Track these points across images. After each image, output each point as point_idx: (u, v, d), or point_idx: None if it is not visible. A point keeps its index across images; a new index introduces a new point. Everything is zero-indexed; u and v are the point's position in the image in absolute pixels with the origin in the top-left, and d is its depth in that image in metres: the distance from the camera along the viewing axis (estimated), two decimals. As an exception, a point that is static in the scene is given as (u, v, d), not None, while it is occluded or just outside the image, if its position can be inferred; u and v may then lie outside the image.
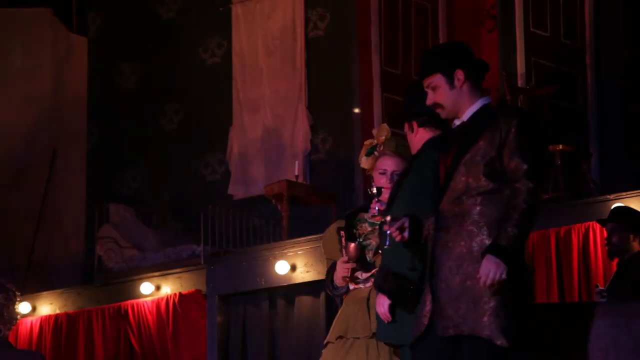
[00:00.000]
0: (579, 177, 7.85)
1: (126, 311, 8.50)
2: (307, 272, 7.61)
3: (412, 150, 4.83)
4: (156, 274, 8.64)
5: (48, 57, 10.66)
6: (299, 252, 7.65)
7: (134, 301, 8.51)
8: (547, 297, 6.75)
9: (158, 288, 8.50)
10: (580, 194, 7.70)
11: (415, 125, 4.78)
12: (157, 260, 9.12)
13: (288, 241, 7.94)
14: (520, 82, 8.43)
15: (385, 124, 5.26)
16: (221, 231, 8.83)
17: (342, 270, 4.84)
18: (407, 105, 4.85)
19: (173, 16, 10.53)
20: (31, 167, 10.37)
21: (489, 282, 3.90)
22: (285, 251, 7.72)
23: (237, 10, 10.06)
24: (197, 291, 8.29)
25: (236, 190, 9.89)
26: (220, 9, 10.11)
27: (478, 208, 4.01)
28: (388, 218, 4.18)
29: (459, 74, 4.13)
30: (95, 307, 8.64)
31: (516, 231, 3.92)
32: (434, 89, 4.18)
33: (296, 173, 8.86)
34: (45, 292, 9.12)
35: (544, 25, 8.62)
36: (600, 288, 5.91)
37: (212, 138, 10.14)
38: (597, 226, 6.59)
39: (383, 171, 4.90)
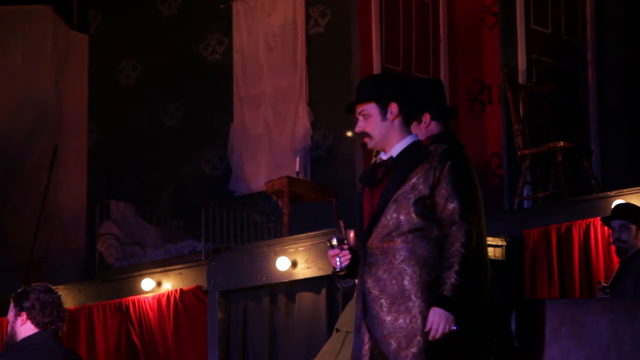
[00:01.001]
0: (579, 173, 7.86)
1: (127, 307, 8.51)
2: (308, 268, 7.61)
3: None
4: (157, 270, 8.64)
5: (48, 54, 10.66)
6: (300, 249, 7.66)
7: (135, 297, 8.52)
8: (548, 294, 6.76)
9: (159, 284, 8.51)
10: (581, 190, 7.71)
11: (427, 117, 4.75)
12: (158, 257, 9.13)
13: (289, 237, 7.95)
14: (521, 79, 8.43)
15: None
16: (222, 227, 8.84)
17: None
18: (417, 96, 4.81)
19: (174, 13, 10.54)
20: (32, 164, 10.37)
21: (438, 335, 3.89)
22: (286, 247, 7.73)
23: (237, 7, 10.07)
24: (198, 287, 8.30)
25: (237, 187, 9.90)
26: (221, 5, 10.11)
27: (409, 246, 3.98)
28: (334, 241, 4.12)
29: (393, 107, 4.06)
30: (96, 303, 8.64)
31: (460, 280, 3.91)
32: (365, 117, 4.09)
33: (297, 169, 8.86)
34: (46, 289, 9.11)
35: (545, 22, 8.62)
36: (603, 285, 5.91)
37: (212, 134, 10.14)
38: (599, 223, 6.60)
39: None
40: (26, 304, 4.50)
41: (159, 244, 9.35)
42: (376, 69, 9.22)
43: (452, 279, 3.90)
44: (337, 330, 5.11)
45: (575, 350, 5.04)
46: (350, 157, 9.03)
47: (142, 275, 8.60)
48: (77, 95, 10.82)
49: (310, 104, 9.60)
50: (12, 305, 4.60)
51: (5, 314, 9.54)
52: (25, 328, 4.52)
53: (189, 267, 8.51)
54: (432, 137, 4.72)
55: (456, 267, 3.92)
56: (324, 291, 7.51)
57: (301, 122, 9.60)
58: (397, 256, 3.99)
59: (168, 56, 10.43)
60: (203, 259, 8.48)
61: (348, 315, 5.02)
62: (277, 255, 7.70)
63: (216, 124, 10.11)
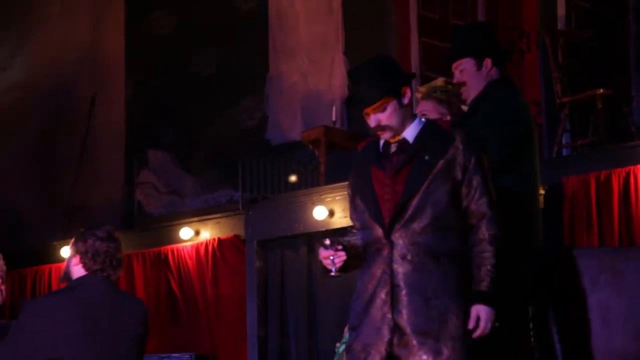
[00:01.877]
0: (619, 120, 7.78)
1: (166, 256, 8.58)
2: (345, 217, 7.62)
3: (469, 92, 4.75)
4: (195, 219, 8.70)
5: (86, 3, 10.67)
6: (337, 198, 7.66)
7: (174, 246, 8.59)
8: (587, 242, 6.73)
9: (197, 233, 8.56)
10: (621, 137, 7.63)
11: (489, 62, 4.70)
12: (196, 206, 9.18)
13: (326, 187, 7.95)
14: (559, 25, 8.33)
15: (442, 78, 5.21)
16: (259, 177, 8.86)
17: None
18: (475, 40, 4.75)
19: (208, -39, 10.49)
20: (71, 113, 10.44)
21: (484, 332, 3.86)
22: (323, 197, 7.74)
23: (272, -46, 10.00)
24: (236, 236, 8.35)
25: (274, 136, 9.90)
26: (256, -47, 10.05)
27: (440, 238, 3.89)
28: (327, 242, 3.96)
29: (406, 91, 4.01)
30: (135, 252, 8.72)
31: (496, 273, 3.88)
32: (383, 110, 4.00)
33: (333, 119, 8.83)
34: (86, 237, 9.21)
35: (584, -33, 8.49)
36: None
37: (248, 84, 10.13)
38: (638, 170, 6.54)
39: (424, 113, 4.88)
40: (80, 248, 4.56)
41: (197, 193, 9.40)
42: (412, 16, 9.14)
43: (489, 274, 3.86)
44: None
45: (615, 299, 5.03)
46: (388, 105, 8.99)
47: (181, 224, 8.66)
48: (115, 44, 10.84)
49: (346, 52, 9.54)
50: (71, 243, 4.66)
51: (49, 261, 9.67)
52: (77, 269, 4.58)
53: (227, 216, 8.56)
54: (492, 83, 4.68)
55: (492, 261, 3.87)
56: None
57: (337, 71, 9.55)
58: (428, 249, 3.89)
59: (203, 5, 10.39)
60: (240, 208, 8.52)
61: None
62: (314, 204, 7.71)
63: (252, 74, 10.09)
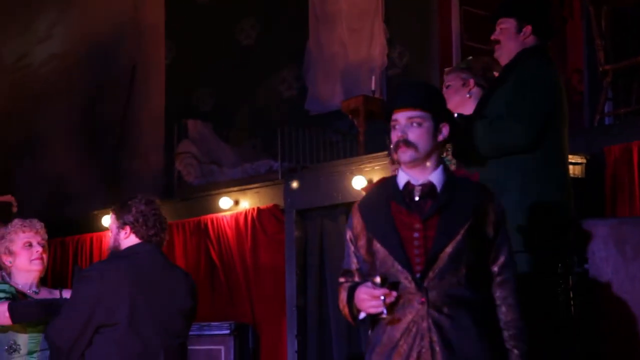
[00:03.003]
0: (663, 89, 7.67)
1: (206, 225, 8.62)
2: (385, 187, 7.60)
3: (502, 54, 4.72)
4: (234, 189, 8.72)
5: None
6: (376, 167, 7.64)
7: (214, 215, 8.62)
8: (629, 212, 6.66)
9: (237, 203, 8.59)
10: (665, 106, 7.54)
11: (529, 29, 4.66)
12: (236, 175, 9.19)
13: (365, 156, 7.93)
14: (603, -8, 8.21)
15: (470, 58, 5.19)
16: (298, 147, 8.86)
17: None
18: (524, 4, 4.72)
19: None
20: (112, 83, 10.49)
21: None
22: (362, 166, 7.71)
23: None
24: (275, 206, 8.36)
25: (313, 106, 9.88)
26: None
27: (475, 299, 3.53)
28: (377, 279, 3.48)
29: (444, 127, 3.63)
30: (175, 221, 8.77)
31: (525, 347, 3.56)
32: (418, 124, 3.59)
33: (373, 88, 8.79)
34: (127, 207, 9.28)
35: None
36: None
37: (288, 54, 10.10)
38: (682, 139, 6.46)
39: (448, 85, 4.85)
40: (129, 218, 4.55)
41: (236, 163, 9.42)
42: (453, -16, 9.06)
43: (520, 351, 3.56)
44: None
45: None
46: (427, 74, 8.93)
47: (220, 194, 8.69)
48: (155, 13, 10.86)
49: (386, 21, 9.48)
50: (113, 217, 4.63)
51: (90, 230, 9.73)
52: (129, 240, 4.58)
53: (266, 186, 8.57)
54: (522, 52, 4.65)
55: (523, 338, 3.58)
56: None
57: (377, 40, 9.50)
58: (466, 312, 3.52)
59: (243, -26, 10.39)
60: (280, 178, 8.53)
61: None
62: (353, 174, 7.69)
63: (292, 43, 10.06)
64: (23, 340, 4.67)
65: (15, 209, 7.73)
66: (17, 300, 4.65)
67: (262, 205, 8.45)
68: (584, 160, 6.76)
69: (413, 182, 3.60)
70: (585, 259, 5.19)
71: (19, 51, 10.67)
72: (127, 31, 10.63)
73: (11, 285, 4.72)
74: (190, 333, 4.70)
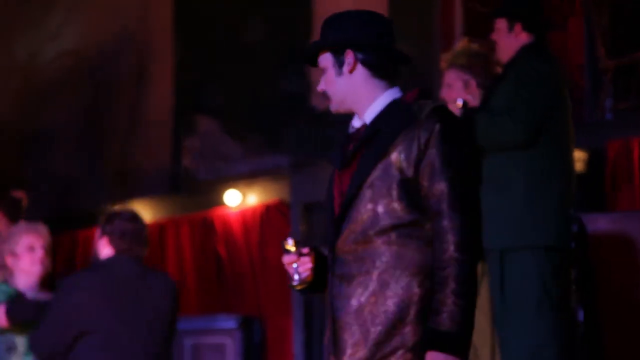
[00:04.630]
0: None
1: (212, 220, 8.70)
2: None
3: (500, 53, 4.81)
4: (241, 183, 8.80)
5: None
6: (381, 162, 7.70)
7: (220, 210, 8.70)
8: (629, 206, 6.72)
9: (243, 197, 8.67)
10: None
11: (519, 26, 4.74)
12: (242, 170, 9.27)
13: (370, 151, 7.99)
14: (605, -11, 8.25)
15: (465, 39, 5.25)
16: (304, 142, 8.91)
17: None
18: (513, 2, 4.81)
19: None
20: (119, 79, 10.56)
21: None
22: (367, 161, 7.78)
23: None
24: (281, 200, 8.43)
25: (319, 101, 9.95)
26: None
27: (394, 248, 2.86)
28: (289, 244, 3.10)
29: (349, 56, 3.04)
30: (182, 216, 8.86)
31: (460, 302, 2.77)
32: (323, 71, 3.10)
33: (378, 83, 8.83)
34: (135, 201, 9.38)
35: None
36: None
37: (294, 50, 10.16)
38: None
39: (449, 84, 4.91)
40: (108, 229, 4.75)
41: (243, 157, 9.49)
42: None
43: (450, 304, 2.76)
44: None
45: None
46: (429, 70, 8.98)
47: (227, 189, 8.77)
48: (163, 9, 10.92)
49: (389, 15, 9.53)
50: (99, 227, 4.91)
51: (96, 224, 9.85)
52: (106, 250, 4.77)
53: (273, 181, 8.64)
54: (520, 49, 4.73)
55: (452, 286, 2.77)
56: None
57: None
58: (377, 264, 2.88)
59: (250, -28, 10.44)
60: (286, 173, 8.59)
61: None
62: (357, 168, 7.76)
63: (298, 41, 10.12)
64: (21, 340, 4.83)
65: (25, 204, 7.83)
66: (16, 301, 4.80)
67: (269, 199, 8.52)
68: (585, 155, 6.83)
69: (355, 124, 3.09)
70: (587, 253, 5.26)
71: (30, 48, 10.76)
72: (135, 28, 10.70)
73: (10, 286, 4.87)
74: (197, 326, 4.87)
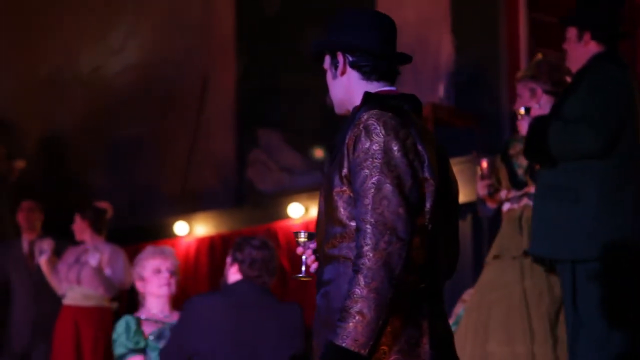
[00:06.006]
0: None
1: (276, 232, 8.73)
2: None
3: (570, 62, 4.77)
4: (304, 196, 8.81)
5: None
6: (448, 173, 7.66)
7: (284, 222, 8.73)
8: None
9: (307, 210, 8.68)
10: None
11: (588, 35, 4.70)
12: (305, 183, 9.29)
13: (434, 163, 7.95)
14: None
15: (539, 54, 5.24)
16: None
17: (479, 188, 4.88)
18: (582, 11, 4.77)
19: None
20: (183, 94, 10.66)
21: None
22: (432, 173, 7.74)
23: None
24: (345, 212, 8.42)
25: (381, 113, 9.93)
26: None
27: (339, 253, 2.85)
28: (301, 236, 3.07)
29: (339, 58, 3.03)
30: (247, 228, 8.90)
31: (370, 315, 2.65)
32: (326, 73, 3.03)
33: (440, 95, 8.82)
34: (199, 214, 9.45)
35: None
36: None
37: (356, 61, 10.17)
38: None
39: (519, 96, 4.90)
40: (239, 256, 4.81)
41: (306, 170, 9.51)
42: (521, -8, 9.04)
43: (348, 318, 2.65)
44: (496, 257, 5.09)
45: None
46: (495, 81, 8.93)
47: (290, 202, 8.79)
48: (225, 23, 11.00)
49: (453, 28, 9.50)
50: (230, 251, 4.99)
51: (164, 237, 9.92)
52: (235, 276, 4.86)
53: (336, 192, 8.63)
54: (592, 58, 4.69)
55: (353, 305, 2.67)
56: (469, 218, 7.51)
57: (444, 47, 9.52)
58: (326, 271, 2.86)
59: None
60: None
61: (506, 241, 5.01)
62: (422, 180, 7.72)
63: (359, 50, 10.12)
64: None
65: (109, 216, 7.91)
66: (142, 349, 4.88)
67: (332, 211, 8.52)
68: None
69: None
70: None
71: (94, 62, 10.91)
72: (198, 41, 10.79)
73: (134, 315, 4.96)
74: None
